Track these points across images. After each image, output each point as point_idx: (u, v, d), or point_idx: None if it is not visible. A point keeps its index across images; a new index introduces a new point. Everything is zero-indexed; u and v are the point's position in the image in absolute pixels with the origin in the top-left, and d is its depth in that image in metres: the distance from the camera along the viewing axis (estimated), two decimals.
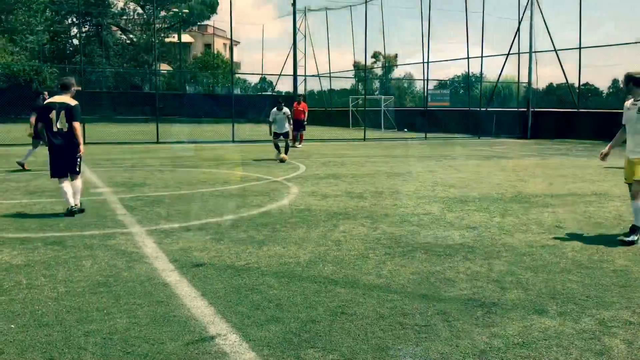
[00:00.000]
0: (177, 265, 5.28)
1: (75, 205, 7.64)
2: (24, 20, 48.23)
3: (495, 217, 7.78)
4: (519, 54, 31.17)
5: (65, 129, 7.62)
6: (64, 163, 7.69)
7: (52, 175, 7.77)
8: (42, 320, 3.92)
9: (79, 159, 7.77)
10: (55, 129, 7.62)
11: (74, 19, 53.54)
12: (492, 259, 5.62)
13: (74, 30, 54.70)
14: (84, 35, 51.08)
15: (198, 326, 3.85)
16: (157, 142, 22.65)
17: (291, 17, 29.42)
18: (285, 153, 15.77)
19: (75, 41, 54.74)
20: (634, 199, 6.32)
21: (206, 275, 4.97)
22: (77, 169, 7.78)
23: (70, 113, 7.61)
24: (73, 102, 7.73)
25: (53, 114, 7.61)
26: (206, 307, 4.20)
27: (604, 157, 6.82)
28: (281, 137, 15.95)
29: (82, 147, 7.71)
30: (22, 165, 12.90)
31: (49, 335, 3.67)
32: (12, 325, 3.83)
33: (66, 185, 7.64)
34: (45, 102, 7.79)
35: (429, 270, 5.22)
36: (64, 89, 7.89)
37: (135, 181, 11.15)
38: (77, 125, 7.64)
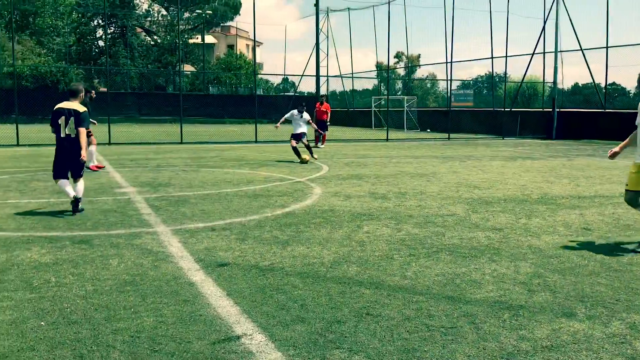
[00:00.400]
0: (202, 265, 5.32)
1: (75, 196, 7.80)
2: (51, 22, 49.21)
3: (521, 218, 7.69)
4: (544, 53, 30.80)
5: (73, 135, 7.82)
6: (68, 166, 7.91)
7: (55, 177, 7.99)
8: (70, 318, 3.98)
9: (83, 164, 7.98)
10: (63, 135, 7.82)
11: (100, 21, 54.37)
12: (518, 260, 5.55)
13: (100, 32, 55.52)
14: (109, 37, 51.74)
15: (224, 325, 3.87)
16: (181, 143, 22.87)
17: (313, 17, 29.51)
18: (310, 152, 15.67)
19: (101, 43, 55.55)
20: None
21: (231, 275, 5.00)
22: (81, 173, 8.03)
23: (78, 119, 7.79)
24: (81, 109, 7.90)
25: (62, 120, 7.80)
26: (232, 307, 4.22)
27: (613, 155, 6.48)
28: (299, 139, 15.81)
29: (84, 152, 7.84)
30: (97, 167, 13.22)
31: (78, 333, 3.73)
32: (42, 323, 3.89)
33: (63, 181, 7.87)
34: (55, 108, 7.93)
35: (455, 271, 5.18)
36: (72, 95, 8.06)
37: (160, 181, 11.27)
38: (81, 130, 7.80)
